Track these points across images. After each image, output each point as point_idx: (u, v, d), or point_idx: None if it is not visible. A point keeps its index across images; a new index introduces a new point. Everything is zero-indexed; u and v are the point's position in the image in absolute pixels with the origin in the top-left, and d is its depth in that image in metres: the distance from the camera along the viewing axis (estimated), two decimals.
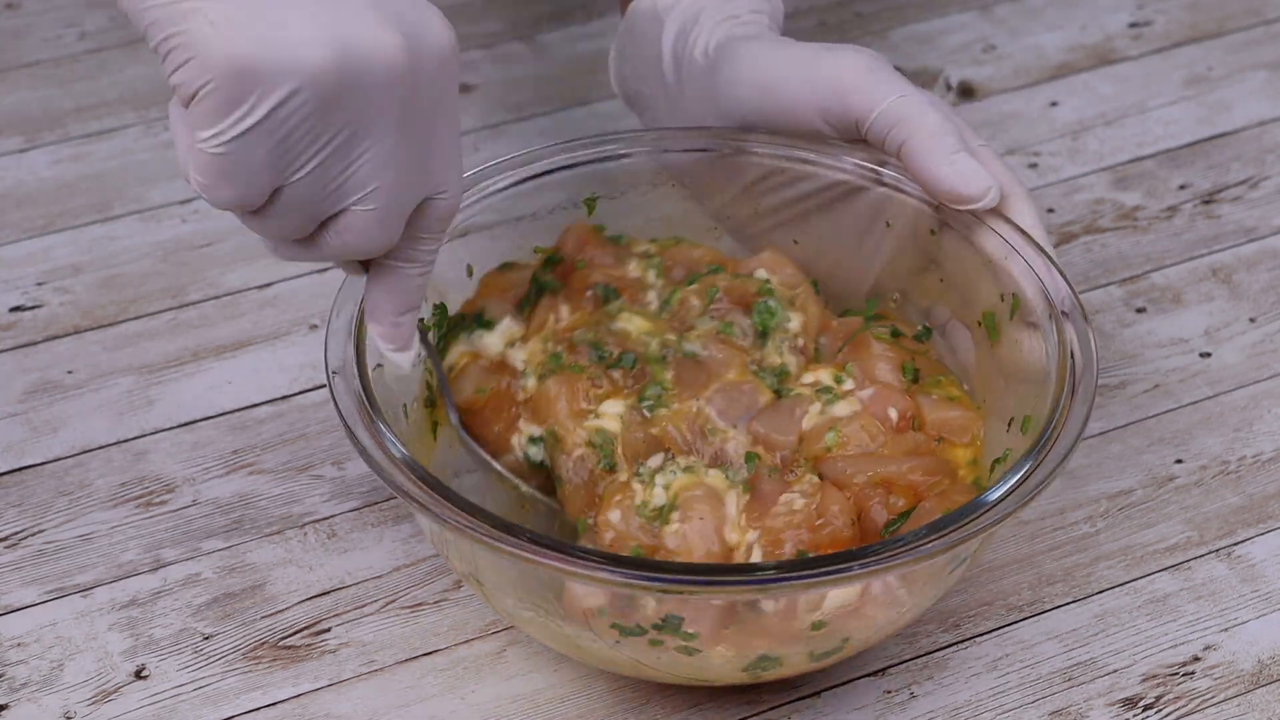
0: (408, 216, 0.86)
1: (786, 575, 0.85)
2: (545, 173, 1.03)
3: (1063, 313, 0.95)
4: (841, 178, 1.02)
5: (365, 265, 0.90)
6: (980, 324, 0.99)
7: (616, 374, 0.97)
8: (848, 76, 0.99)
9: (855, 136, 1.00)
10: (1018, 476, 0.88)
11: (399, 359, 0.92)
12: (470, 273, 1.03)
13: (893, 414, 0.96)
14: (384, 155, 0.83)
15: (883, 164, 1.01)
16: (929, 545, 0.85)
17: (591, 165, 1.04)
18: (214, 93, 0.79)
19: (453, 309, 1.02)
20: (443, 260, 1.00)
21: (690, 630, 0.88)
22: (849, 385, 0.97)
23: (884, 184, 1.01)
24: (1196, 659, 0.99)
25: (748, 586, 0.85)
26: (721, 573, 0.86)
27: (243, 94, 0.79)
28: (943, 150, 0.97)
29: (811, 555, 0.90)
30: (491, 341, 1.00)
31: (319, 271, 1.20)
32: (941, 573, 0.90)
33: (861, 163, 1.02)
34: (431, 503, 0.87)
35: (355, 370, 0.92)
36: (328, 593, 1.01)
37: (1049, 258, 0.97)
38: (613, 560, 0.85)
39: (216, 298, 1.18)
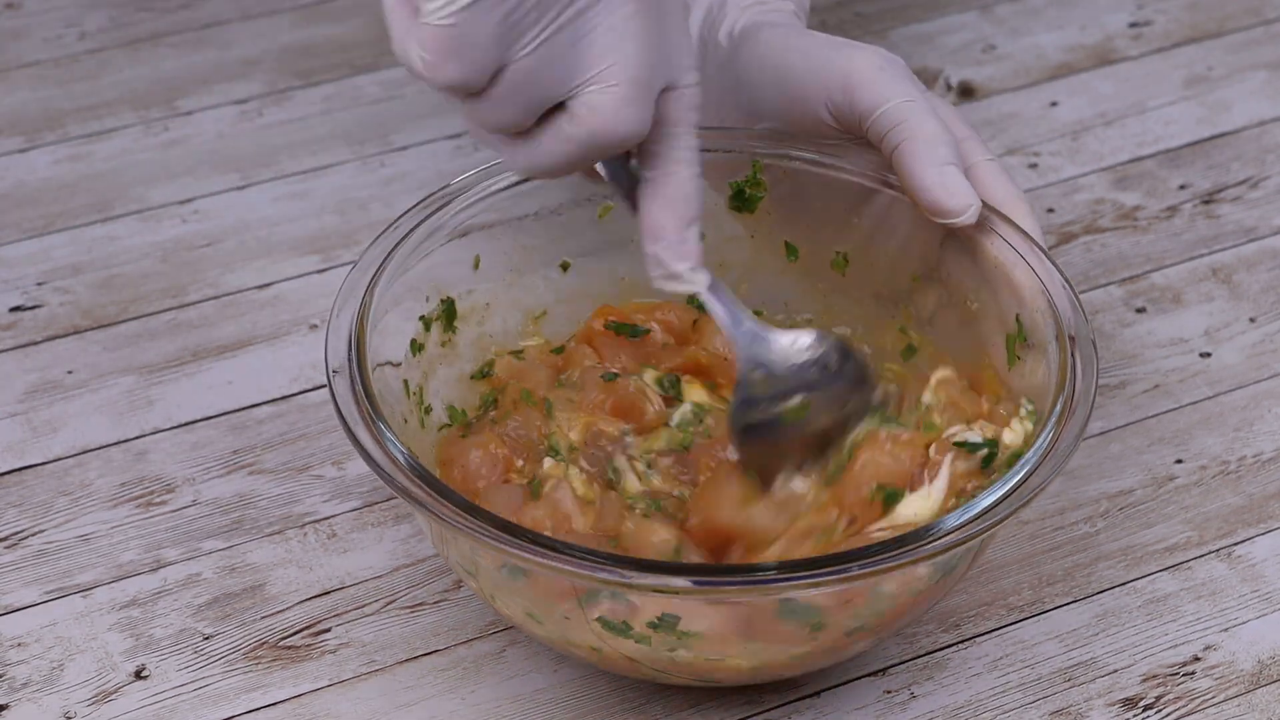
0: (655, 98, 0.82)
1: (788, 575, 0.84)
2: None
3: (1070, 338, 0.94)
4: (848, 179, 1.02)
5: (618, 178, 0.84)
6: (1005, 341, 0.99)
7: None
8: (859, 72, 0.99)
9: (858, 132, 1.00)
10: (1009, 484, 0.88)
11: (694, 278, 0.86)
12: (477, 264, 1.02)
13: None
14: (619, 26, 0.79)
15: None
16: (925, 547, 0.85)
17: None
18: None
19: (460, 303, 1.02)
20: (447, 257, 1.01)
21: (688, 630, 0.88)
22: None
23: (891, 187, 1.01)
24: (1197, 659, 0.99)
25: (747, 586, 0.85)
26: (722, 573, 0.86)
27: None
28: (933, 159, 0.97)
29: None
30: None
31: (319, 271, 1.20)
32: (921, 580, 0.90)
33: (870, 166, 1.02)
34: (431, 502, 0.86)
35: (356, 369, 0.92)
36: (328, 593, 1.02)
37: (1058, 270, 0.97)
38: (613, 560, 0.85)
39: (216, 298, 1.18)
